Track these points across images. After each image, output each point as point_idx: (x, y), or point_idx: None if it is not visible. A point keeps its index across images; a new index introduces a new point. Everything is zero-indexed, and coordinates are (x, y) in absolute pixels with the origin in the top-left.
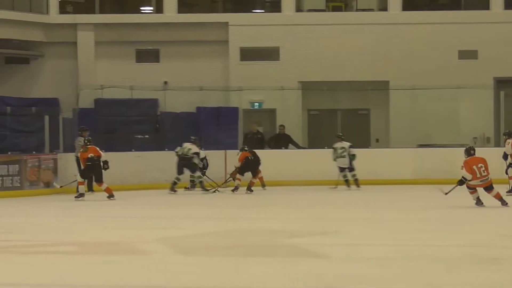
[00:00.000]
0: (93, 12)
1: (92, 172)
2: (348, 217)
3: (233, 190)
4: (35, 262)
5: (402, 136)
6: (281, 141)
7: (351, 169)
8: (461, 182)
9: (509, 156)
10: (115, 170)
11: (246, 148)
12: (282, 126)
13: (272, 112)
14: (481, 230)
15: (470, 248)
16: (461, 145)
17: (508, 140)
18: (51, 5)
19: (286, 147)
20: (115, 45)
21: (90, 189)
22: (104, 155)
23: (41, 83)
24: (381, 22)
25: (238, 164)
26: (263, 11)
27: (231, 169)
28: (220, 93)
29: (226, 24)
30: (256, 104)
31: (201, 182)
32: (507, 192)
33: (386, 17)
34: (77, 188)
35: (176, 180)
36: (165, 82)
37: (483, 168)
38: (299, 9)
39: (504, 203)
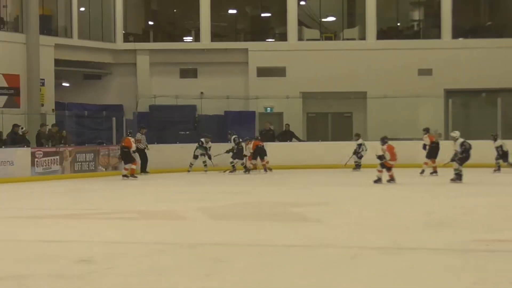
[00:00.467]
0: (148, 41)
1: (123, 157)
2: (336, 193)
3: (245, 172)
4: (104, 225)
5: (376, 132)
6: (287, 136)
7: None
8: (381, 157)
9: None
10: (164, 157)
11: (259, 137)
12: (287, 125)
13: (280, 114)
14: (432, 203)
15: (425, 216)
16: (419, 139)
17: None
18: (117, 36)
19: (291, 140)
20: (164, 65)
21: (144, 170)
22: (134, 146)
23: (110, 94)
24: (361, 48)
25: (249, 151)
26: (273, 40)
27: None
28: (242, 100)
29: (246, 50)
30: (268, 108)
31: (233, 166)
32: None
33: (365, 45)
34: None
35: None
36: (202, 93)
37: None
38: (300, 38)
39: (393, 180)
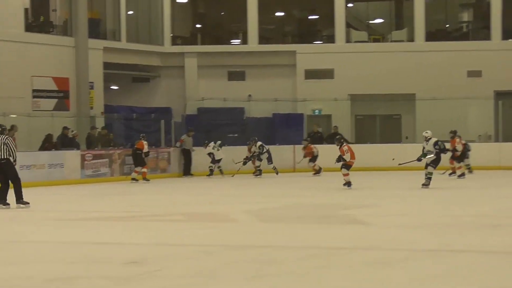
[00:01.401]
0: (196, 44)
1: (134, 160)
2: (385, 195)
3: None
4: (153, 227)
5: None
6: (335, 138)
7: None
8: (341, 159)
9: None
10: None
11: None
12: (335, 127)
13: (328, 117)
14: (483, 204)
15: (475, 218)
16: (469, 141)
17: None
18: (165, 39)
19: None
20: (212, 68)
21: (187, 173)
22: (146, 148)
23: (158, 96)
24: (409, 50)
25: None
26: (321, 42)
27: (299, 159)
28: (290, 103)
29: (294, 52)
30: (316, 111)
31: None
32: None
33: (413, 46)
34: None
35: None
36: (249, 95)
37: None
38: (348, 40)
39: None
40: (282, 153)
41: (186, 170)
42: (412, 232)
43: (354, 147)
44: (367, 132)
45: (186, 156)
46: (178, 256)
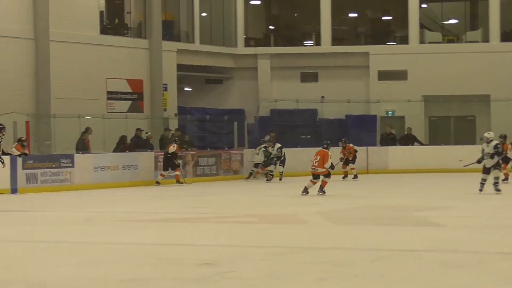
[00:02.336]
0: (269, 45)
1: (166, 163)
2: (458, 196)
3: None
4: (226, 229)
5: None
6: (409, 140)
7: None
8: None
9: None
10: (287, 161)
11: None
12: (409, 128)
13: (401, 118)
14: None
15: None
16: None
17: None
18: (238, 41)
19: (413, 144)
20: (285, 70)
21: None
22: (174, 150)
23: (231, 98)
24: (484, 50)
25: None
26: (395, 43)
27: (372, 160)
28: (363, 104)
29: (367, 53)
30: (390, 112)
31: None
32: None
33: (488, 47)
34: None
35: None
36: (322, 97)
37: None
38: (422, 41)
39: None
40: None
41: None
42: (484, 233)
43: (428, 148)
44: (441, 133)
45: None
46: (250, 257)
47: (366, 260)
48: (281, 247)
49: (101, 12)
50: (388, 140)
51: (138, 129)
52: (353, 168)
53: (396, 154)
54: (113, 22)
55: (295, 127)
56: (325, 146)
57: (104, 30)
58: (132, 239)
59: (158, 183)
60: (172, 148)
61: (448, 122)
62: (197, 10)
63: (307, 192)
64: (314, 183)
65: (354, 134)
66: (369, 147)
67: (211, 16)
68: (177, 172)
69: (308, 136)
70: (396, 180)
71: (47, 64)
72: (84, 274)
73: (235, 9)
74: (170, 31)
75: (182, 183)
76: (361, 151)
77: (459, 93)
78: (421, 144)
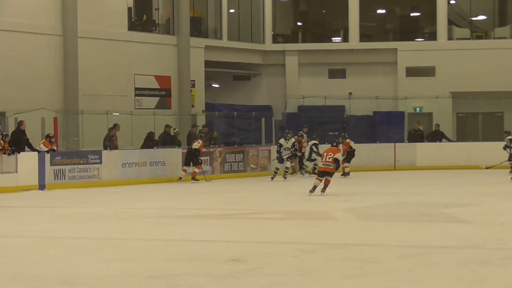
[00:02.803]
0: (297, 42)
1: (189, 159)
2: (486, 193)
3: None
4: (253, 225)
5: None
6: (437, 136)
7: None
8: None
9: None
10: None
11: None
12: (437, 125)
13: (429, 115)
14: None
15: None
16: None
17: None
18: (266, 37)
19: (440, 141)
20: (313, 66)
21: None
22: (199, 146)
23: (259, 94)
24: None
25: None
26: (423, 39)
27: (400, 156)
28: (391, 101)
29: (395, 50)
30: (417, 109)
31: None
32: None
33: None
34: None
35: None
36: (350, 93)
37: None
38: (450, 38)
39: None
40: (383, 151)
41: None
42: None
43: (456, 145)
44: (469, 130)
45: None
46: (278, 254)
47: (394, 256)
48: (309, 244)
49: (129, 9)
50: (416, 136)
51: (167, 126)
52: (346, 167)
53: (424, 150)
54: (141, 19)
55: (322, 124)
56: (335, 144)
57: (132, 27)
58: (161, 235)
59: (180, 178)
60: (197, 144)
61: (476, 118)
62: (225, 6)
63: (314, 191)
64: (321, 181)
65: (382, 131)
66: (397, 144)
67: (239, 13)
68: (197, 169)
69: (336, 133)
70: (423, 176)
71: (75, 61)
72: (113, 270)
73: (263, 5)
74: (198, 28)
75: (198, 180)
76: (389, 147)
77: (487, 90)
78: (449, 140)
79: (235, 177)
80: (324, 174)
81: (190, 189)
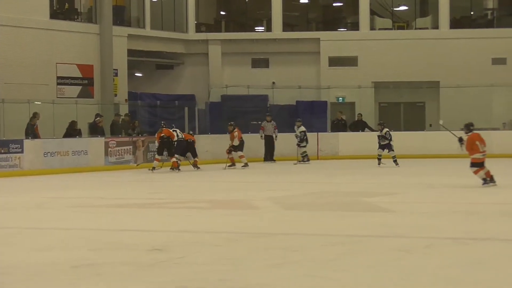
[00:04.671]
0: (220, 31)
1: (164, 149)
2: (407, 183)
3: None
4: (177, 214)
5: (449, 122)
6: (359, 126)
7: None
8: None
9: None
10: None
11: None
12: (360, 114)
13: (352, 104)
14: (508, 192)
15: (498, 205)
16: (493, 129)
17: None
18: (189, 26)
19: (363, 130)
20: (236, 55)
21: (269, 159)
22: (175, 136)
23: (182, 84)
24: (434, 37)
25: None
26: (345, 29)
27: (323, 146)
28: (314, 90)
29: (318, 40)
30: (340, 98)
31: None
32: None
33: (438, 34)
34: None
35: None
36: (273, 83)
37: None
38: (372, 28)
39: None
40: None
41: (268, 156)
42: (435, 220)
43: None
44: (391, 119)
45: (268, 142)
46: (202, 243)
47: (318, 245)
48: (232, 233)
49: None
50: (339, 126)
51: (97, 115)
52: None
53: (347, 140)
54: (63, 7)
55: (246, 113)
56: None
57: (54, 15)
58: (83, 224)
59: (154, 168)
60: (174, 132)
61: (398, 108)
62: None
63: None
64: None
65: (305, 120)
66: (320, 133)
67: (161, 1)
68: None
69: (259, 122)
70: (346, 166)
71: None
72: (37, 259)
73: None
74: (120, 16)
75: (180, 169)
76: (312, 136)
77: (409, 80)
78: (372, 130)
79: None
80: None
81: (113, 178)
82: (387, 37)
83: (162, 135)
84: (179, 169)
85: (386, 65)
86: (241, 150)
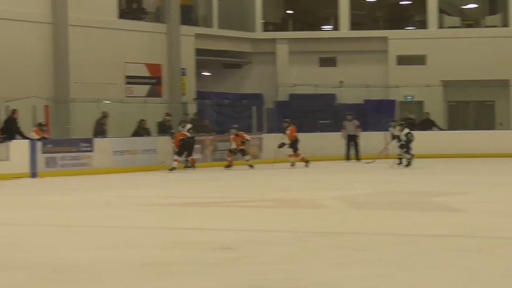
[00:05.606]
0: (288, 30)
1: (185, 149)
2: (476, 182)
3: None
4: (244, 213)
5: None
6: (427, 124)
7: None
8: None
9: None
10: (303, 146)
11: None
12: (427, 113)
13: (420, 103)
14: None
15: None
16: None
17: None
18: (257, 25)
19: (431, 129)
20: (303, 54)
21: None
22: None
23: (249, 83)
24: (503, 35)
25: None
26: (413, 28)
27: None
28: (381, 89)
29: (386, 38)
30: (408, 97)
31: None
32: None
33: (507, 32)
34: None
35: None
36: (341, 81)
37: None
38: (441, 26)
39: None
40: (374, 139)
41: (352, 155)
42: (504, 219)
43: (447, 133)
44: (460, 118)
45: (350, 141)
46: (269, 242)
47: (386, 245)
48: (300, 232)
49: None
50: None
51: (167, 114)
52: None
53: (416, 139)
54: (131, 7)
55: (313, 112)
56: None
57: (122, 15)
58: (152, 223)
59: (174, 168)
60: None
61: (466, 107)
62: None
63: None
64: None
65: (372, 119)
66: (388, 132)
67: (229, 1)
68: (194, 157)
69: (327, 121)
70: (414, 165)
71: (66, 49)
72: (104, 257)
73: None
74: (188, 16)
75: (195, 167)
76: (379, 136)
77: (478, 78)
78: (440, 129)
79: (224, 165)
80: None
81: (181, 177)
82: (455, 35)
83: (181, 137)
84: (194, 167)
85: (455, 64)
86: (293, 148)
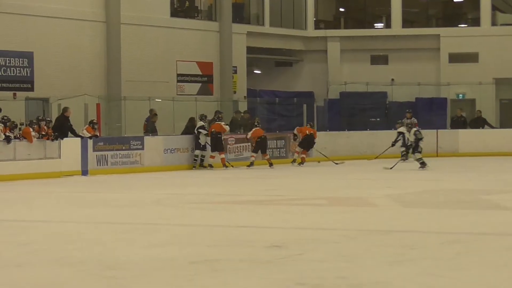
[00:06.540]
0: (339, 28)
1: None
2: None
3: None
4: (295, 211)
5: None
6: (479, 123)
7: None
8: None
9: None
10: (354, 144)
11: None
12: (479, 111)
13: (472, 101)
14: None
15: None
16: None
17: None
18: (308, 23)
19: (483, 127)
20: (355, 52)
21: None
22: (228, 130)
23: (300, 81)
24: None
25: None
26: (466, 25)
27: (442, 143)
28: (433, 87)
29: (438, 36)
30: (460, 95)
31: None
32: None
33: None
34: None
35: None
36: (392, 79)
37: None
38: (494, 23)
39: None
40: (426, 137)
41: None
42: None
43: (499, 131)
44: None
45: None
46: (320, 240)
47: (436, 243)
48: (350, 230)
49: None
50: (459, 123)
51: (217, 112)
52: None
53: (467, 137)
54: (183, 5)
55: (364, 110)
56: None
57: (174, 13)
58: (202, 221)
59: (211, 165)
60: (224, 127)
61: None
62: None
63: None
64: None
65: (424, 117)
66: (439, 130)
67: None
68: (223, 155)
69: (378, 119)
70: (466, 163)
71: (118, 47)
72: (155, 255)
73: None
74: (240, 14)
75: (227, 167)
76: (431, 134)
77: None
78: (492, 127)
79: (276, 163)
80: None
81: (231, 175)
82: (508, 32)
83: (212, 130)
84: (212, 166)
85: (507, 61)
86: (305, 148)
